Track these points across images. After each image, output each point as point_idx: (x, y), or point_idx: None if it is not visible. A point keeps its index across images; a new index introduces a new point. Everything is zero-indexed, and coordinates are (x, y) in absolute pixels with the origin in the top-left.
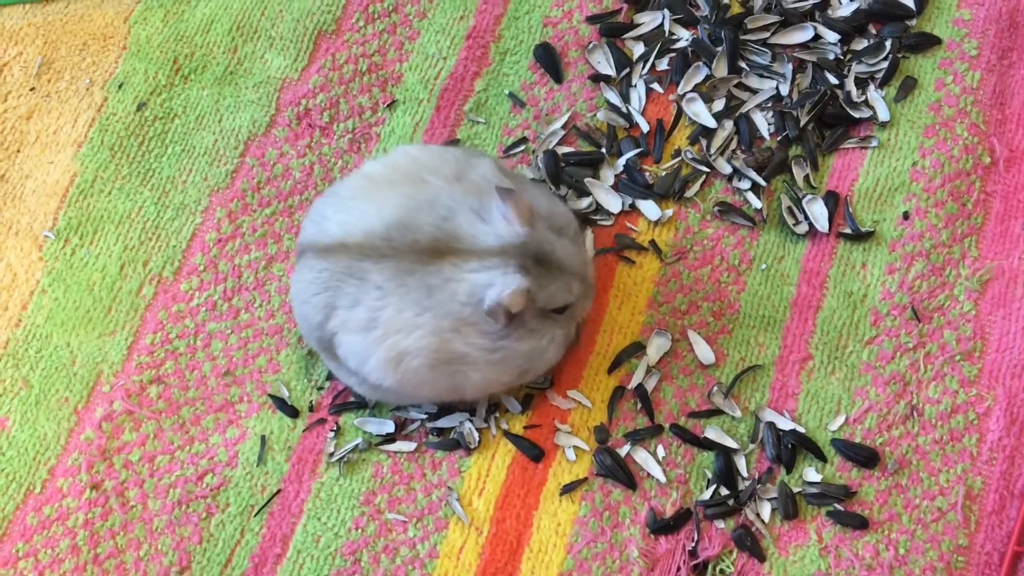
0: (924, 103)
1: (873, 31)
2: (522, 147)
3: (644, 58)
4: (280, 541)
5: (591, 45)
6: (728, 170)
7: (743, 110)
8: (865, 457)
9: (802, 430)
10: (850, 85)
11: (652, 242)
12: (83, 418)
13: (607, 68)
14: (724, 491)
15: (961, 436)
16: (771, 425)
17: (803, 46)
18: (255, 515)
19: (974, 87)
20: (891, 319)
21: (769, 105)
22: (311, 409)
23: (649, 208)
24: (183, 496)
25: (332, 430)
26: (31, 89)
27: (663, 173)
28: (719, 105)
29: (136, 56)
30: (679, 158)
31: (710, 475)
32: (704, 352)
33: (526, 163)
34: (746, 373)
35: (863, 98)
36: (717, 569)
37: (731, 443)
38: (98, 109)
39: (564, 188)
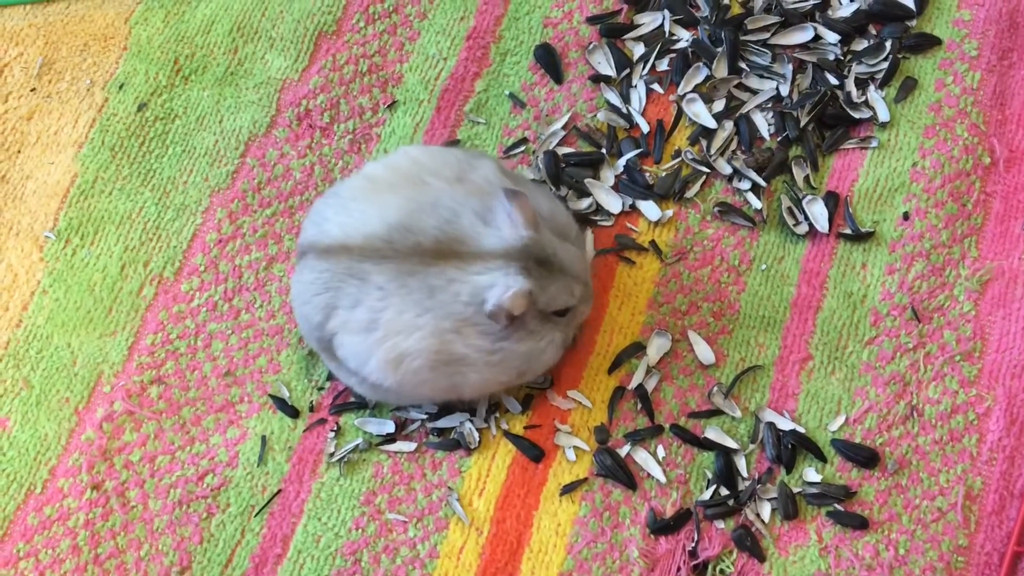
0: (924, 104)
1: (873, 32)
2: (522, 148)
3: (644, 59)
4: (280, 541)
5: (591, 46)
6: (728, 171)
7: (743, 111)
8: (865, 457)
9: (802, 430)
10: (850, 86)
11: (652, 242)
12: (84, 418)
13: (607, 69)
14: (724, 491)
15: (961, 436)
16: (771, 425)
17: (803, 47)
18: (256, 515)
19: (974, 88)
20: (891, 319)
21: (769, 106)
22: (311, 409)
23: (649, 209)
24: (184, 496)
25: (332, 430)
26: (32, 90)
27: (663, 174)
28: (719, 106)
29: (137, 57)
30: (679, 159)
31: (710, 475)
32: (704, 352)
33: (526, 164)
34: (746, 373)
35: (863, 99)
36: (717, 569)
37: (731, 443)
38: (99, 110)
39: (564, 189)
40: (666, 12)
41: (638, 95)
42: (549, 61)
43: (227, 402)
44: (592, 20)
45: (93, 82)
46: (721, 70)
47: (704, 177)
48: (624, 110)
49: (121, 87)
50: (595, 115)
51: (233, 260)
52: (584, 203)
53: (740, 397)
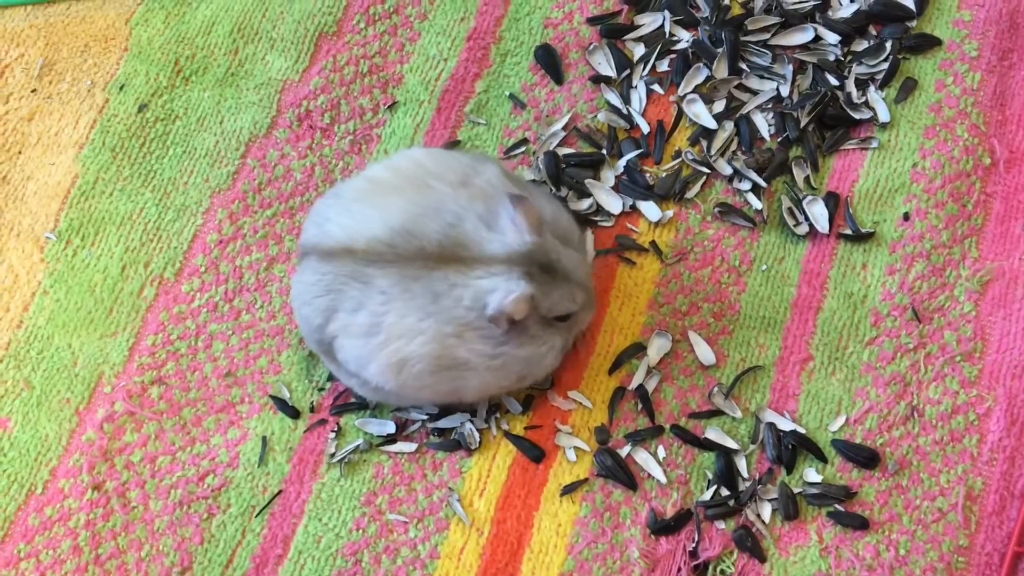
0: (924, 104)
1: (873, 32)
2: (523, 148)
3: (645, 59)
4: (281, 542)
5: (592, 46)
6: (728, 171)
7: (743, 111)
8: (865, 458)
9: (802, 431)
10: (850, 86)
11: (653, 243)
12: (84, 419)
13: (608, 69)
14: (725, 492)
15: (961, 437)
16: (771, 426)
17: (803, 47)
18: (256, 516)
19: (974, 88)
20: (891, 320)
21: (769, 106)
22: (312, 410)
23: (650, 209)
24: (184, 497)
25: (333, 431)
26: (32, 91)
27: (663, 174)
28: (719, 106)
29: (137, 58)
30: (680, 159)
31: (711, 476)
32: (705, 353)
33: (527, 164)
34: (747, 374)
35: (863, 99)
36: (718, 570)
37: (732, 444)
38: (99, 111)
39: (565, 189)
40: (666, 13)
41: (638, 96)
42: (549, 62)
43: (228, 403)
44: (592, 21)
45: (94, 83)
46: (721, 71)
47: (704, 178)
48: (624, 111)
49: (122, 88)
50: (595, 116)
51: (234, 261)
52: (584, 204)
53: (740, 397)
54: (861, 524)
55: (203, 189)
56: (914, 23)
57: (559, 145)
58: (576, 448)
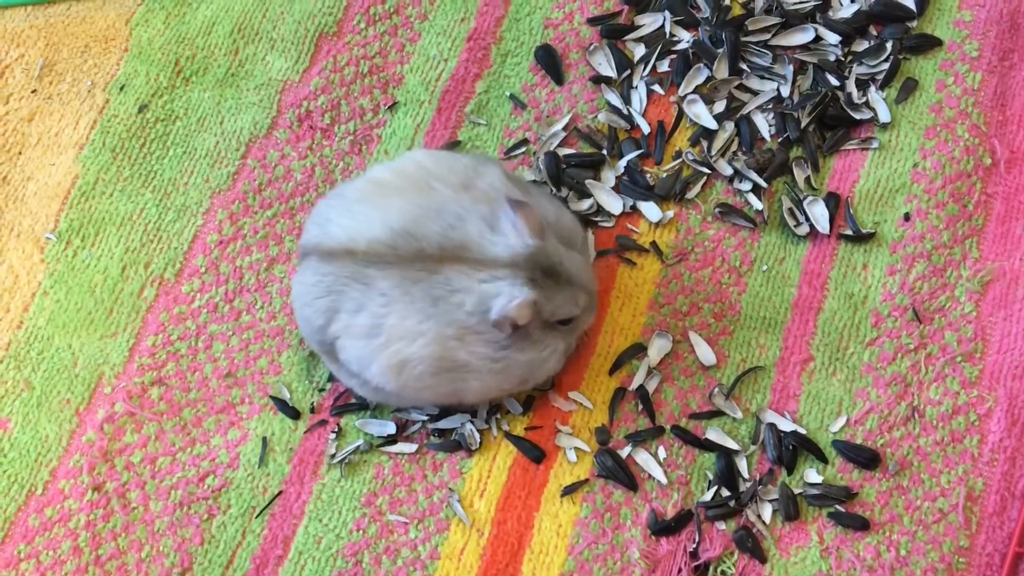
0: (925, 104)
1: (874, 32)
2: (523, 149)
3: (645, 60)
4: (281, 542)
5: (592, 47)
6: (729, 171)
7: (744, 111)
8: (866, 458)
9: (803, 431)
10: (851, 86)
11: (653, 243)
12: (85, 420)
13: (608, 70)
14: (725, 492)
15: (962, 437)
16: (772, 426)
17: (804, 47)
18: (256, 516)
19: (975, 88)
20: (892, 320)
21: (770, 106)
22: (312, 411)
23: (650, 210)
24: (185, 497)
25: (333, 432)
26: (33, 91)
27: (664, 175)
28: (720, 107)
29: (137, 58)
30: (680, 160)
31: (711, 476)
32: (705, 353)
33: (527, 165)
34: (747, 374)
35: (864, 99)
36: (718, 570)
37: (732, 444)
38: (99, 111)
39: (565, 190)
40: (667, 13)
41: (639, 96)
42: (550, 62)
43: (228, 403)
44: (593, 21)
45: (94, 83)
46: (722, 71)
47: (705, 178)
48: (625, 111)
49: (122, 88)
50: (596, 116)
51: (234, 261)
52: (585, 204)
53: (741, 398)
54: (862, 525)
55: (203, 190)
56: (915, 23)
57: (559, 145)
58: (577, 449)
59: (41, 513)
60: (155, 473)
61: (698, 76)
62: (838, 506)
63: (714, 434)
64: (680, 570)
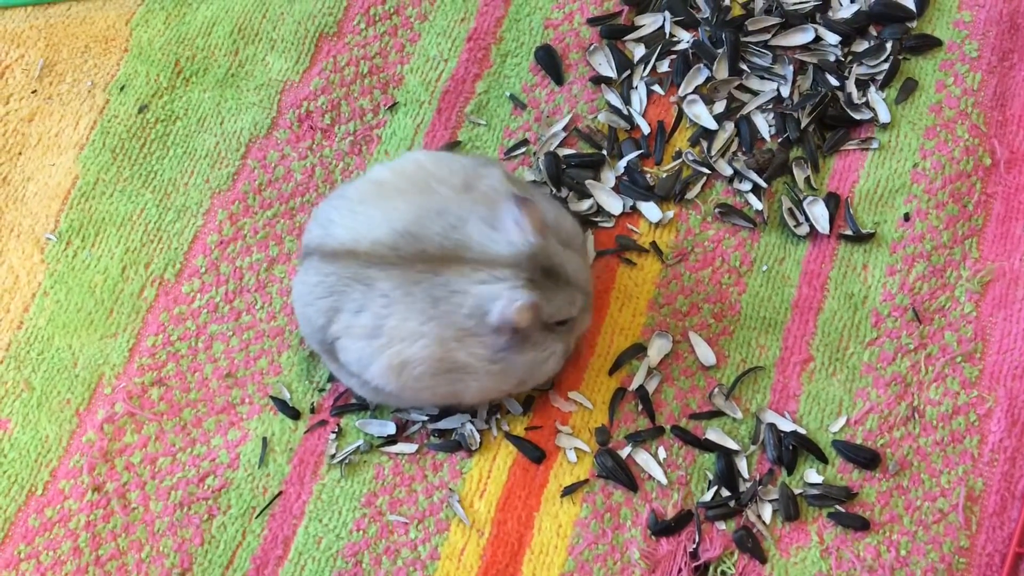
0: (925, 105)
1: (874, 33)
2: (523, 149)
3: (645, 60)
4: (281, 543)
5: (592, 47)
6: (729, 172)
7: (744, 112)
8: (866, 458)
9: (803, 431)
10: (851, 87)
11: (653, 244)
12: (85, 420)
13: (608, 70)
14: (725, 492)
15: (962, 437)
16: (772, 426)
17: (804, 48)
18: (256, 517)
19: (975, 89)
20: (892, 320)
21: (770, 107)
22: (312, 411)
23: (650, 210)
24: (185, 498)
25: (333, 432)
26: (33, 91)
27: (664, 175)
28: (720, 107)
29: (138, 58)
30: (680, 160)
31: (711, 476)
32: (705, 353)
33: (527, 165)
34: (747, 374)
35: (864, 100)
36: (718, 571)
37: (732, 444)
38: (100, 111)
39: (565, 190)
40: (667, 13)
41: (639, 96)
42: (550, 62)
43: (228, 404)
44: (593, 21)
45: (94, 84)
46: (722, 71)
47: (705, 178)
48: (625, 111)
49: (122, 89)
50: (596, 116)
51: (234, 262)
52: (585, 204)
53: (741, 398)
54: (862, 525)
55: (203, 190)
56: (914, 24)
57: (559, 146)
58: (577, 449)
59: (41, 513)
60: (155, 473)
61: (698, 76)
62: (838, 506)
63: (714, 434)
64: (680, 570)
